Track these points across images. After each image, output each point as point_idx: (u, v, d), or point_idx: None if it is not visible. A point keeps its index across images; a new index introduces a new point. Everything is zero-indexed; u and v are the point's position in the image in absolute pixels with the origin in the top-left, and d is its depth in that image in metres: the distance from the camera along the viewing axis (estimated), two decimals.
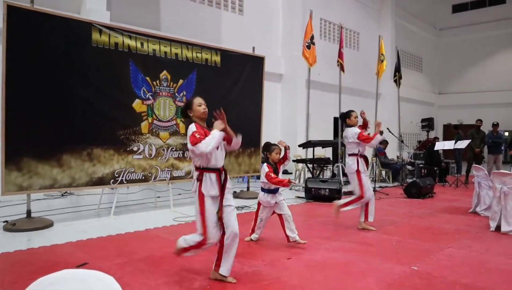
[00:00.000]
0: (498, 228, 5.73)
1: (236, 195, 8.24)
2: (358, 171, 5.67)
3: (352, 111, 5.85)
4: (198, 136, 3.36)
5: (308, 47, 9.95)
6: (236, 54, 8.07)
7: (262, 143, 8.82)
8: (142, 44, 6.55)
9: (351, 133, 5.71)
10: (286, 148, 4.95)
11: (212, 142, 3.34)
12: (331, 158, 11.33)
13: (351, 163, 5.73)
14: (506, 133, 18.01)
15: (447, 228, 5.98)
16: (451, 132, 15.92)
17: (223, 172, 3.61)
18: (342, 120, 5.99)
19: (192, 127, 3.45)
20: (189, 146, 3.38)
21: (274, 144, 5.00)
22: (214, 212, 3.51)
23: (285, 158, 4.95)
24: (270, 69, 11.89)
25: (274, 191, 4.85)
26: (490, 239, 5.39)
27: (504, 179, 5.74)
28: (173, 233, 5.35)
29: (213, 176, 3.53)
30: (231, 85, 7.92)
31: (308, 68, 10.26)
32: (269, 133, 12.27)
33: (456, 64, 20.84)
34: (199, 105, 3.60)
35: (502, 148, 12.51)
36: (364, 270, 4.00)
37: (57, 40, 5.70)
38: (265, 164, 4.88)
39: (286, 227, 4.85)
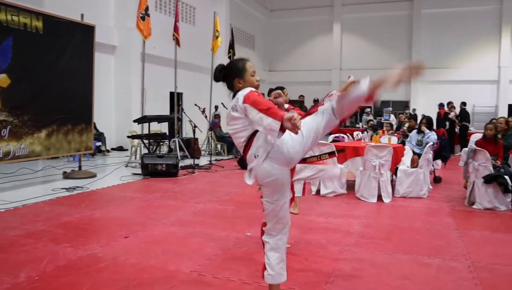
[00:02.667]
0: (318, 191, 6.54)
1: (66, 176, 7.61)
2: None
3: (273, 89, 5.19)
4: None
5: (143, 18, 9.60)
6: (62, 21, 7.31)
7: (95, 119, 8.32)
8: None
9: None
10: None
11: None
12: (167, 133, 11.29)
13: None
14: None
15: None
16: None
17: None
18: None
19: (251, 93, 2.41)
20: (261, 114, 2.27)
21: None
22: None
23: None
24: (102, 40, 11.10)
25: None
26: (312, 201, 6.10)
27: (322, 149, 6.52)
28: None
29: None
30: (57, 56, 7.16)
31: (142, 40, 9.92)
32: (102, 108, 11.59)
33: (284, 44, 22.52)
34: (253, 75, 2.56)
35: None
36: (202, 241, 4.16)
37: None
38: None
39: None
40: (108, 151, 11.58)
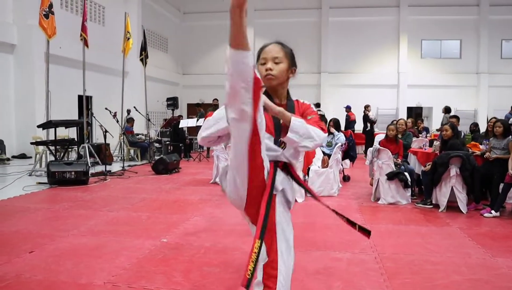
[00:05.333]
0: None
1: None
2: None
3: None
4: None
5: (46, 16, 8.98)
6: None
7: None
8: None
9: None
10: None
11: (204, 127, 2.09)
12: (76, 139, 10.69)
13: None
14: None
15: (192, 199, 6.52)
16: (194, 110, 17.25)
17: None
18: None
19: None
20: None
21: None
22: None
23: None
24: None
25: None
26: (227, 205, 6.12)
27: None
28: None
29: None
30: None
31: (46, 40, 9.29)
32: (0, 112, 10.68)
33: (198, 47, 22.39)
34: (263, 63, 2.13)
35: None
36: (116, 250, 4.00)
37: None
38: None
39: None
40: (8, 159, 10.69)
